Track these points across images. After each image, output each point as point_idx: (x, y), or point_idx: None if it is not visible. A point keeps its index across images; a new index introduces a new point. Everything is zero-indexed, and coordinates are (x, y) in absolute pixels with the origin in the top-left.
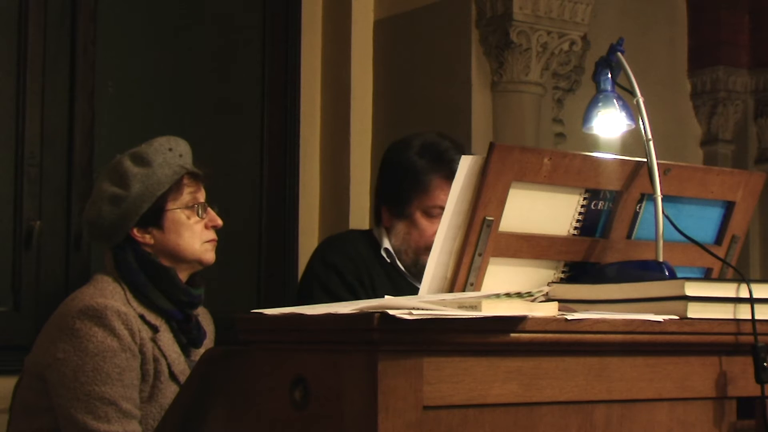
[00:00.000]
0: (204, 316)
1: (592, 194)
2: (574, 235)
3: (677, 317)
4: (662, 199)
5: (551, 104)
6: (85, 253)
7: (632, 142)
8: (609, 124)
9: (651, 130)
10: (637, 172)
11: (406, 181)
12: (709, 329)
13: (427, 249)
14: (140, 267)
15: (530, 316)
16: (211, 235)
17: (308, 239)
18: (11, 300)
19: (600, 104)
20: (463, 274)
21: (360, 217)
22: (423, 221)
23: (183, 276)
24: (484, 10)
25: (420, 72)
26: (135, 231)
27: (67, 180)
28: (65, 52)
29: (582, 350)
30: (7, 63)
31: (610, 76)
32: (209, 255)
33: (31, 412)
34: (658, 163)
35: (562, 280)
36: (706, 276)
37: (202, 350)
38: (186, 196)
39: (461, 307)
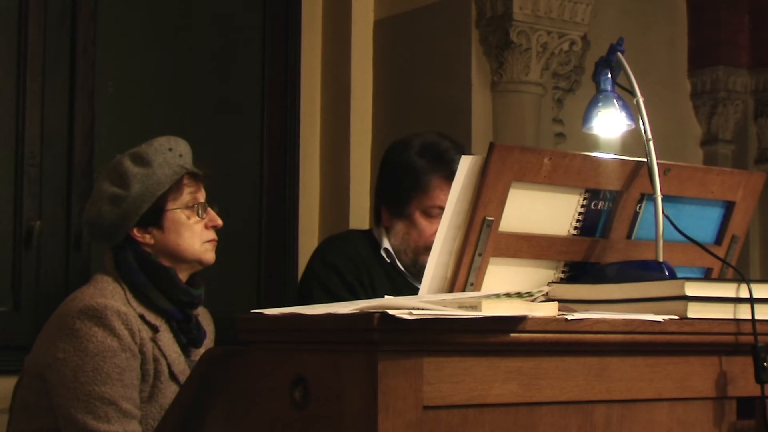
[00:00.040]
0: (204, 316)
1: (592, 194)
2: (574, 235)
3: (677, 317)
4: (662, 199)
5: (551, 104)
6: (85, 253)
7: (632, 142)
8: (609, 124)
9: (651, 130)
10: (637, 172)
11: (406, 181)
12: (709, 329)
13: (426, 249)
14: (140, 267)
15: (530, 316)
16: (211, 235)
17: (308, 239)
18: (11, 300)
19: (600, 104)
20: (463, 274)
21: (360, 217)
22: (422, 221)
23: (183, 276)
24: (484, 10)
25: (420, 72)
26: (135, 231)
27: (67, 180)
28: (65, 52)
29: (582, 350)
30: (7, 63)
31: (610, 76)
32: (209, 255)
33: (31, 412)
34: (658, 163)
35: (562, 280)
36: (706, 276)
37: (202, 350)
38: (186, 196)
39: (461, 307)
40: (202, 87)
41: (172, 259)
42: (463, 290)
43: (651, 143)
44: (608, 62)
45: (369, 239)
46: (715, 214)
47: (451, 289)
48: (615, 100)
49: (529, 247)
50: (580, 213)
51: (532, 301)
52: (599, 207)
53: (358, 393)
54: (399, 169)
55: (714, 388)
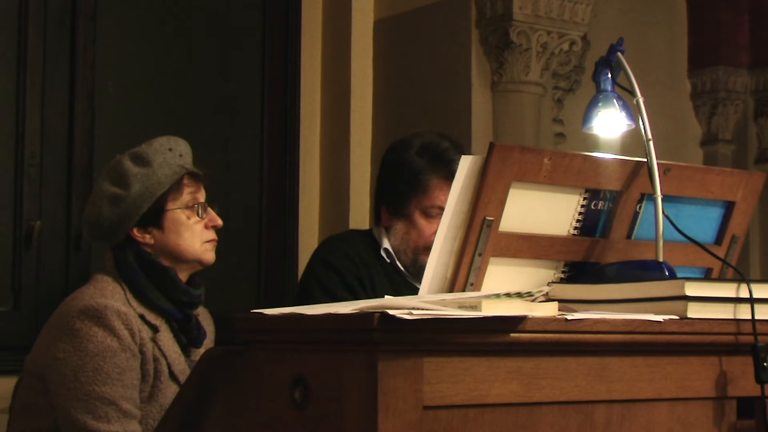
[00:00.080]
0: (204, 316)
1: (592, 194)
2: (574, 235)
3: (677, 317)
4: (662, 199)
5: (551, 104)
6: (85, 253)
7: (632, 142)
8: (609, 124)
9: (651, 130)
10: (637, 172)
11: (406, 181)
12: (709, 329)
13: (426, 249)
14: (140, 267)
15: (530, 316)
16: (211, 235)
17: (308, 239)
18: (11, 300)
19: (600, 104)
20: (463, 274)
21: (360, 217)
22: (422, 221)
23: (183, 276)
24: (484, 10)
25: (420, 72)
26: (135, 231)
27: (67, 180)
28: (65, 52)
29: (582, 350)
30: (7, 63)
31: (610, 76)
32: (209, 255)
33: (31, 412)
34: (658, 163)
35: (562, 280)
36: (706, 276)
37: (202, 350)
38: (186, 196)
39: (461, 307)
40: (201, 87)
41: (172, 259)
42: (463, 290)
43: (651, 143)
44: (608, 62)
45: (369, 239)
46: (715, 214)
47: (451, 289)
48: (615, 100)
49: (529, 247)
50: (580, 213)
51: (532, 301)
52: (599, 207)
53: (358, 393)
54: (399, 169)
55: (714, 388)
